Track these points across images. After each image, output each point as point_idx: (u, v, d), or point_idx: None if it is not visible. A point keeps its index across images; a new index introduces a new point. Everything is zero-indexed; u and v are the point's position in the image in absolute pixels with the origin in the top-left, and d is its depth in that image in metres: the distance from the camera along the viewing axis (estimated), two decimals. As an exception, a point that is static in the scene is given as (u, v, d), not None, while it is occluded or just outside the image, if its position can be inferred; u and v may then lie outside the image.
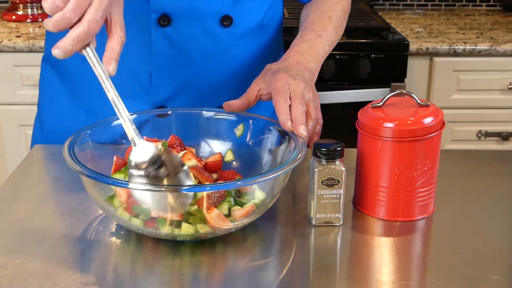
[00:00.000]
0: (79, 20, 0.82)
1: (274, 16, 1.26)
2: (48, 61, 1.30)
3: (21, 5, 2.53)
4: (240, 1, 1.18)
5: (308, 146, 0.97)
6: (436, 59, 2.29)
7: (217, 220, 0.87)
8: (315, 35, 1.17)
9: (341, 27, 1.25)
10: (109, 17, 0.86)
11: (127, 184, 0.85)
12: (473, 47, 2.26)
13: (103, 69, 0.84)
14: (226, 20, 1.17)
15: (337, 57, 2.20)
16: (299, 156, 0.91)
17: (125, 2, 1.13)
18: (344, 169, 0.92)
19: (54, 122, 1.29)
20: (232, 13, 1.17)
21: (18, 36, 2.27)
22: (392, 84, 2.26)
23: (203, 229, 0.87)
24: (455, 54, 2.27)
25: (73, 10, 0.81)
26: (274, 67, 1.09)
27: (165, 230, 0.87)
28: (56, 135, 1.26)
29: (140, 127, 1.04)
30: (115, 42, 0.85)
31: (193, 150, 1.01)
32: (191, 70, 1.19)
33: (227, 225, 0.88)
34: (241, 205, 0.90)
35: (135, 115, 1.05)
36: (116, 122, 1.02)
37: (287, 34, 1.29)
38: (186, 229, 0.86)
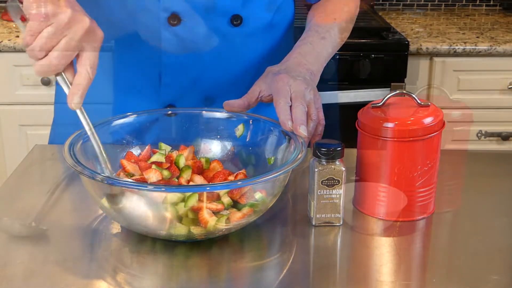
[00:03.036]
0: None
1: (284, 16, 1.26)
2: None
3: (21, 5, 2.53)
4: (250, 0, 1.18)
5: (309, 147, 0.97)
6: (436, 59, 2.28)
7: (210, 220, 0.86)
8: (318, 37, 1.17)
9: (346, 29, 1.24)
10: (81, 52, 0.89)
11: (127, 184, 0.85)
12: (473, 47, 2.26)
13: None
14: (236, 20, 1.16)
15: (337, 57, 2.19)
16: (299, 156, 0.91)
17: (135, 1, 1.13)
18: (344, 169, 0.92)
19: (64, 122, 1.29)
20: (242, 12, 1.17)
21: (18, 36, 2.27)
22: (392, 84, 2.26)
23: (196, 230, 0.87)
24: (455, 54, 2.27)
25: (40, 48, 0.87)
26: (275, 69, 1.09)
27: (164, 230, 0.87)
28: (65, 135, 1.26)
29: (148, 126, 1.05)
30: (82, 78, 0.89)
31: (193, 148, 1.01)
32: (200, 69, 1.19)
33: (221, 227, 0.88)
34: (240, 208, 0.90)
35: (135, 115, 1.06)
36: (116, 122, 1.02)
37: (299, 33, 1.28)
38: (179, 229, 0.86)
